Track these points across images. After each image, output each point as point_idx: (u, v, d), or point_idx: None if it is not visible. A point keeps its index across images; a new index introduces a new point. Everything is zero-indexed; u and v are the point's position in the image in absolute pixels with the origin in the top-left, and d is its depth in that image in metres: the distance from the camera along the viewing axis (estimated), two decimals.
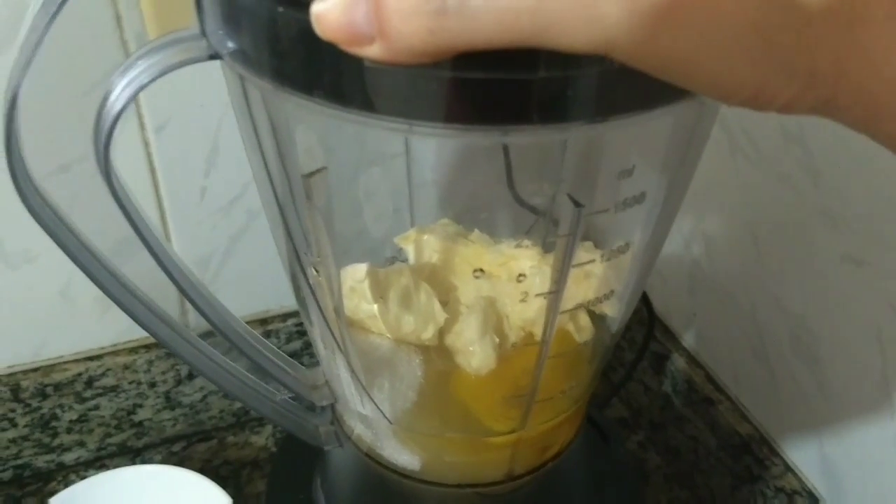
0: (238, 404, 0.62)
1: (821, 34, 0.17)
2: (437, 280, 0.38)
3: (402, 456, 0.36)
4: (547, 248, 0.36)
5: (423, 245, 0.39)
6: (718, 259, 0.54)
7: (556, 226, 0.39)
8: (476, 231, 0.39)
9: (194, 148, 0.52)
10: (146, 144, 0.50)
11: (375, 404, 0.33)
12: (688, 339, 0.59)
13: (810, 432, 0.49)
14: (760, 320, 0.51)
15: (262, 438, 0.62)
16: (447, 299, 0.37)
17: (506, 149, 0.39)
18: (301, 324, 0.61)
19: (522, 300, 0.32)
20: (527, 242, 0.37)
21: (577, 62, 0.21)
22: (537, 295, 0.29)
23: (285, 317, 0.61)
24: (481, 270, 0.33)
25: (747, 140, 0.48)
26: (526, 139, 0.24)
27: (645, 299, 0.54)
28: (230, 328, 0.34)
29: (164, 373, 0.58)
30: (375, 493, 0.39)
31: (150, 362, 0.57)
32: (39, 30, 0.25)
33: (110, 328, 0.55)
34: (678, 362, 0.58)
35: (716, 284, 0.55)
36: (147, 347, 0.57)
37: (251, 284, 0.58)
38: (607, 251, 0.29)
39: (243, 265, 0.57)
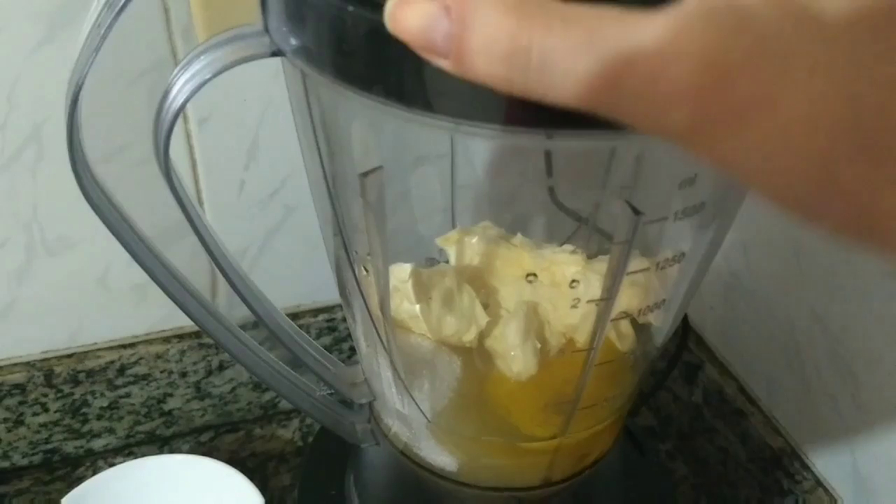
0: (266, 397, 0.62)
1: (892, 175, 0.17)
2: (478, 282, 0.38)
3: (439, 456, 0.36)
4: (591, 254, 0.36)
5: (465, 247, 0.39)
6: (757, 271, 0.53)
7: (598, 233, 0.39)
8: (519, 235, 0.39)
9: (235, 141, 0.52)
10: (188, 136, 0.51)
11: (416, 403, 0.33)
12: (721, 350, 0.59)
13: (843, 448, 0.49)
14: (797, 333, 0.51)
15: (288, 432, 0.62)
16: (488, 302, 0.37)
17: (548, 154, 0.39)
18: (332, 320, 0.61)
19: (574, 306, 0.32)
20: (570, 248, 0.37)
21: None
22: (588, 301, 0.29)
23: (316, 312, 0.61)
24: (534, 275, 0.33)
25: None
26: (586, 143, 0.24)
27: None
28: (273, 321, 0.34)
29: (195, 363, 0.58)
30: (409, 492, 0.39)
31: (182, 352, 0.57)
32: (104, 27, 0.26)
33: (145, 317, 0.56)
34: (710, 373, 0.58)
35: (753, 296, 0.54)
36: (179, 337, 0.57)
37: (284, 279, 0.59)
38: (662, 260, 0.29)
39: (278, 259, 0.58)
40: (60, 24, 0.44)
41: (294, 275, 0.59)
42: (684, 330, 0.53)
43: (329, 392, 0.37)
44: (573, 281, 0.31)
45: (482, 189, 0.43)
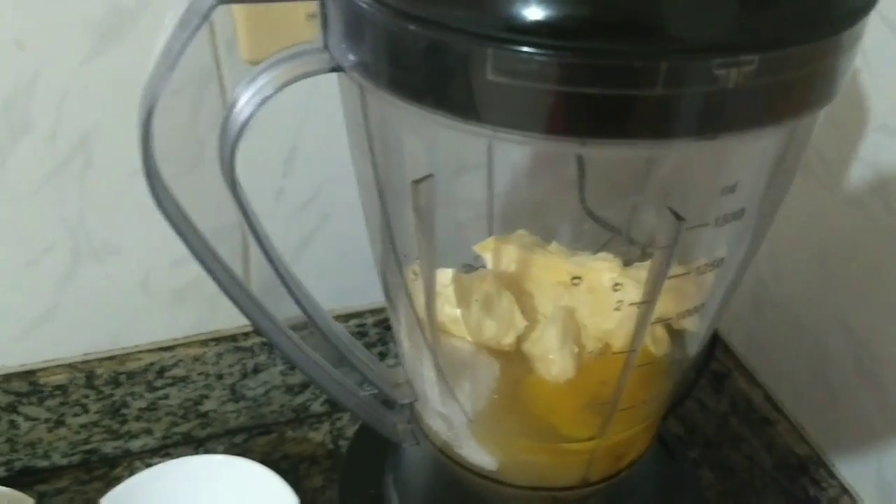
0: (298, 400, 0.63)
1: None
2: (515, 288, 0.39)
3: (479, 456, 0.37)
4: (627, 261, 0.37)
5: (501, 253, 0.40)
6: (784, 279, 0.54)
7: (630, 243, 0.40)
8: (554, 243, 0.40)
9: (274, 149, 0.53)
10: None
11: (459, 404, 0.34)
12: (748, 359, 0.59)
13: (870, 456, 0.49)
14: (824, 342, 0.51)
15: (319, 435, 0.64)
16: (524, 307, 0.38)
17: (580, 161, 0.40)
18: (362, 325, 0.63)
19: (616, 308, 0.33)
20: (605, 255, 0.38)
21: (693, 81, 0.22)
22: (630, 304, 0.30)
23: (347, 317, 0.63)
24: (579, 278, 0.34)
25: (820, 163, 0.49)
26: (636, 152, 0.25)
27: None
28: (322, 321, 0.35)
29: (231, 366, 0.60)
30: (449, 491, 0.40)
31: (220, 355, 0.59)
32: (181, 41, 0.27)
33: (184, 320, 0.57)
34: (737, 381, 0.58)
35: (780, 305, 0.55)
36: (217, 340, 0.59)
37: (317, 285, 0.59)
38: (701, 265, 0.30)
39: (311, 266, 0.59)
40: (110, 36, 0.46)
41: (326, 281, 0.60)
42: (712, 339, 0.54)
43: (373, 392, 0.38)
44: (616, 284, 0.33)
45: (518, 198, 0.44)
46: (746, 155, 0.27)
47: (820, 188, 0.49)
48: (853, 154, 0.46)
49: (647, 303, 0.29)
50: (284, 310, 0.41)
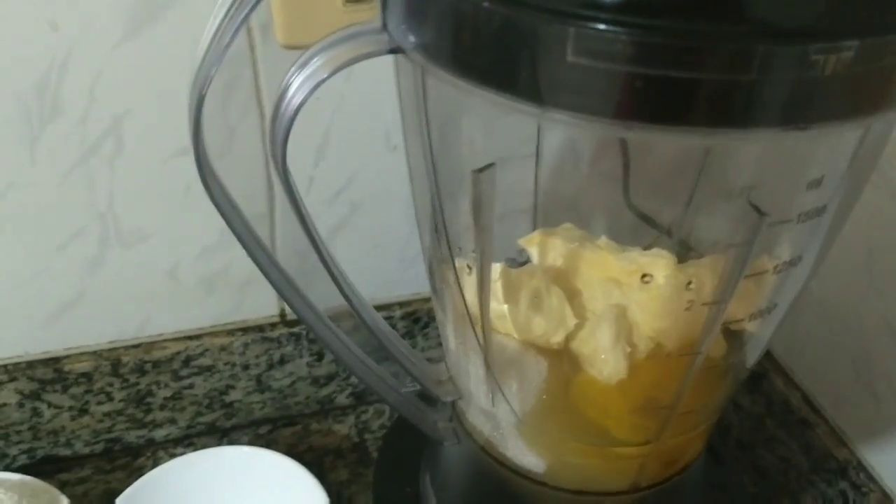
0: (323, 392, 0.62)
1: None
2: (562, 284, 0.38)
3: (526, 457, 0.36)
4: (680, 257, 0.36)
5: (548, 247, 0.39)
6: (828, 279, 0.53)
7: (680, 244, 0.39)
8: (603, 237, 0.39)
9: (306, 138, 0.52)
10: (263, 133, 0.51)
11: (507, 403, 0.33)
12: (787, 359, 0.58)
13: None
14: (867, 342, 0.50)
15: (344, 427, 0.63)
16: (572, 304, 0.37)
17: (629, 153, 0.38)
18: (390, 318, 0.62)
19: (687, 308, 0.32)
20: (657, 250, 0.37)
21: (789, 67, 0.21)
22: (703, 304, 0.29)
23: (377, 309, 0.61)
24: (649, 276, 0.33)
25: None
26: (726, 141, 0.24)
27: None
28: (367, 314, 0.34)
29: (257, 356, 0.59)
30: (492, 493, 0.39)
31: (246, 345, 0.58)
32: (235, 22, 0.26)
33: (211, 309, 0.56)
34: (775, 382, 0.57)
35: (823, 304, 0.54)
36: (244, 331, 0.58)
37: (347, 276, 0.59)
38: (779, 265, 0.28)
39: (341, 256, 0.57)
40: (143, 19, 0.45)
41: (356, 272, 0.59)
42: None
43: (415, 389, 0.37)
44: (689, 283, 0.31)
45: (565, 191, 0.43)
46: (835, 147, 0.26)
47: (869, 185, 0.48)
48: None
49: (719, 303, 0.27)
50: (315, 301, 0.40)
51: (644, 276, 0.32)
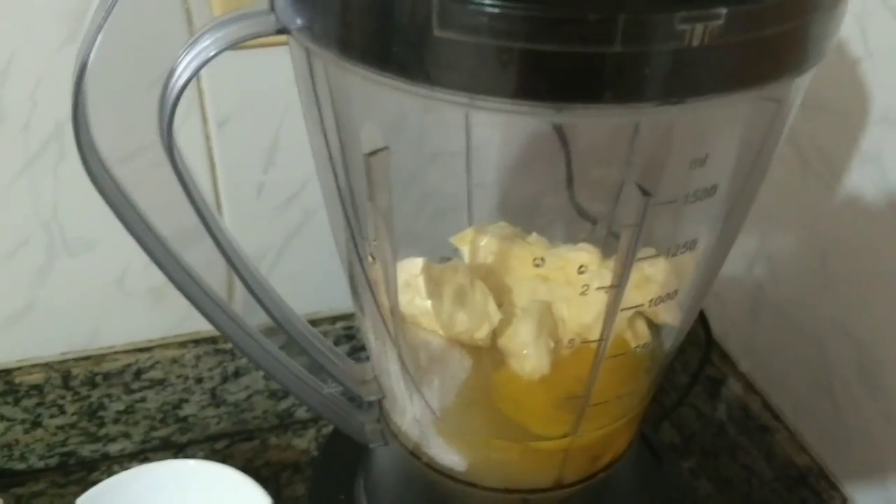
0: (282, 406, 0.62)
1: None
2: (492, 281, 0.37)
3: (448, 456, 0.35)
4: (606, 253, 0.35)
5: (479, 245, 0.38)
6: (783, 282, 0.52)
7: (612, 235, 0.38)
8: (534, 234, 0.38)
9: (255, 144, 0.52)
10: (207, 138, 0.51)
11: (425, 400, 0.33)
12: (745, 365, 0.57)
13: (873, 467, 0.47)
14: (825, 347, 0.49)
15: (304, 441, 0.62)
16: (501, 301, 0.36)
17: (564, 142, 0.38)
18: (350, 327, 0.61)
19: (582, 293, 0.31)
20: (585, 246, 0.36)
21: (655, 38, 0.20)
22: (598, 288, 0.28)
23: (334, 319, 0.61)
24: (542, 259, 0.32)
25: (820, 158, 0.46)
26: (596, 118, 0.23)
27: (703, 321, 0.52)
28: (285, 319, 0.34)
29: (210, 369, 0.58)
30: (418, 494, 0.38)
31: (198, 357, 0.57)
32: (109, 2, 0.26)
33: (162, 320, 0.56)
34: (734, 388, 0.56)
35: (779, 308, 0.53)
36: (196, 342, 0.57)
37: (302, 284, 0.58)
38: (672, 247, 0.28)
39: (295, 264, 0.57)
40: (84, 24, 0.44)
41: (311, 280, 0.59)
42: (707, 343, 0.52)
43: (338, 389, 0.36)
44: (581, 266, 0.31)
45: (498, 189, 0.42)
46: (717, 125, 0.25)
47: (819, 184, 0.47)
48: (854, 148, 0.44)
49: (616, 287, 0.27)
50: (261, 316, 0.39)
51: (535, 259, 0.31)
